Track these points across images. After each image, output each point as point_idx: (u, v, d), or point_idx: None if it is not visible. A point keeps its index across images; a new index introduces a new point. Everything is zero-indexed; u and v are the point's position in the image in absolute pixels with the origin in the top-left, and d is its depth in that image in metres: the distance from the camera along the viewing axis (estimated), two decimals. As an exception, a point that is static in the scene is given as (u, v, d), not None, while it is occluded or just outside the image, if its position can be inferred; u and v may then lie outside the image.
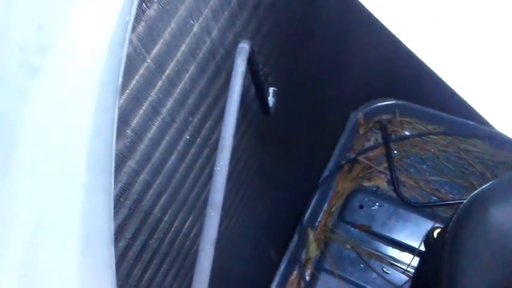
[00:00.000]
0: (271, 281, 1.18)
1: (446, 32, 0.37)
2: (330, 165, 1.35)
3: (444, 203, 1.28)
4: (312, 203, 1.30)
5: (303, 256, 1.26)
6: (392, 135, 1.39)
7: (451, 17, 0.36)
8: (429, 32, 0.37)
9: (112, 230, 0.20)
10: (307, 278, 1.24)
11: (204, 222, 0.39)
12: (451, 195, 1.31)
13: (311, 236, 1.26)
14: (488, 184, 0.65)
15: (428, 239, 0.97)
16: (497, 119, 0.35)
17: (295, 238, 1.25)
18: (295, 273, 1.25)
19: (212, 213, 0.38)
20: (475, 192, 0.66)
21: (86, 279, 0.18)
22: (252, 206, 0.85)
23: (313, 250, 1.25)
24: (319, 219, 1.31)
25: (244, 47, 0.47)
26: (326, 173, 1.34)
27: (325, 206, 1.32)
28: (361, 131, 1.41)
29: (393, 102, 1.41)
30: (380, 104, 1.41)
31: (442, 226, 0.85)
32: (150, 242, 0.50)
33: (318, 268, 1.25)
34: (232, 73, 0.46)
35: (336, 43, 1.03)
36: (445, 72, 0.35)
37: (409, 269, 1.23)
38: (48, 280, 0.18)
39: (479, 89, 0.35)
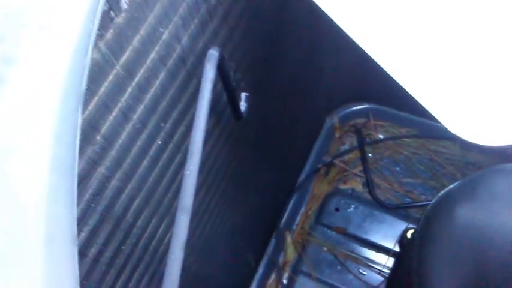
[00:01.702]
0: (249, 284, 1.19)
1: (405, 40, 0.38)
2: (306, 168, 1.37)
3: (417, 204, 1.31)
4: (289, 207, 1.31)
5: (281, 259, 1.27)
6: (367, 139, 1.42)
7: (408, 25, 0.38)
8: (389, 41, 0.38)
9: (75, 230, 0.21)
10: (285, 281, 1.25)
11: (174, 226, 0.39)
12: (423, 197, 1.34)
13: (288, 239, 1.27)
14: (454, 184, 0.68)
15: (402, 240, 0.99)
16: (452, 122, 0.37)
17: (273, 242, 1.26)
18: (273, 276, 1.25)
19: (182, 217, 0.39)
20: (442, 192, 0.68)
21: (49, 278, 0.19)
22: (227, 211, 0.85)
23: (290, 253, 1.26)
24: (296, 223, 1.32)
25: (213, 53, 0.48)
26: (302, 176, 1.36)
27: (302, 209, 1.34)
28: (337, 135, 1.43)
29: (367, 106, 1.44)
30: (354, 108, 1.44)
31: (415, 227, 0.87)
32: (123, 247, 0.50)
33: (296, 271, 1.26)
34: (202, 79, 0.47)
35: (308, 49, 1.04)
36: (403, 76, 0.36)
37: (384, 270, 1.25)
38: (13, 279, 0.18)
39: (433, 92, 0.36)
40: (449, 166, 1.37)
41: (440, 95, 0.37)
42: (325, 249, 1.28)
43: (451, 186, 0.68)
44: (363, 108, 1.44)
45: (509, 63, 0.38)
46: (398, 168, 1.39)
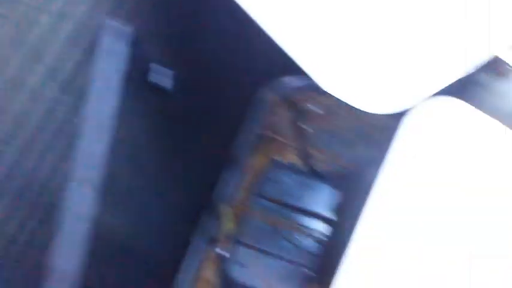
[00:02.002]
0: (187, 258, 1.21)
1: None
2: (242, 141, 1.38)
3: (350, 172, 1.36)
4: (226, 179, 1.33)
5: (219, 232, 1.29)
6: (302, 111, 1.45)
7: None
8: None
9: None
10: (222, 252, 1.27)
11: (72, 197, 0.39)
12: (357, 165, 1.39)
13: (225, 211, 1.29)
14: (366, 151, 0.71)
15: (336, 207, 1.04)
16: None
17: (210, 215, 1.28)
18: (211, 249, 1.27)
19: (82, 189, 0.39)
20: (357, 159, 0.71)
21: None
22: (161, 187, 0.85)
23: (228, 225, 1.28)
24: (233, 195, 1.34)
25: (121, 27, 0.47)
26: (238, 149, 1.38)
27: (239, 181, 1.36)
28: (272, 108, 1.45)
29: (303, 79, 1.46)
30: (290, 80, 1.46)
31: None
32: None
33: (234, 242, 1.28)
34: (106, 52, 0.46)
35: (236, 20, 1.04)
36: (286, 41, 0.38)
37: (321, 237, 1.30)
38: None
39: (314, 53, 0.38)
40: (382, 136, 1.42)
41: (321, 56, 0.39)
42: (263, 219, 1.31)
43: (362, 153, 0.71)
44: (298, 81, 1.46)
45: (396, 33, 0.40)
46: (332, 139, 1.43)
